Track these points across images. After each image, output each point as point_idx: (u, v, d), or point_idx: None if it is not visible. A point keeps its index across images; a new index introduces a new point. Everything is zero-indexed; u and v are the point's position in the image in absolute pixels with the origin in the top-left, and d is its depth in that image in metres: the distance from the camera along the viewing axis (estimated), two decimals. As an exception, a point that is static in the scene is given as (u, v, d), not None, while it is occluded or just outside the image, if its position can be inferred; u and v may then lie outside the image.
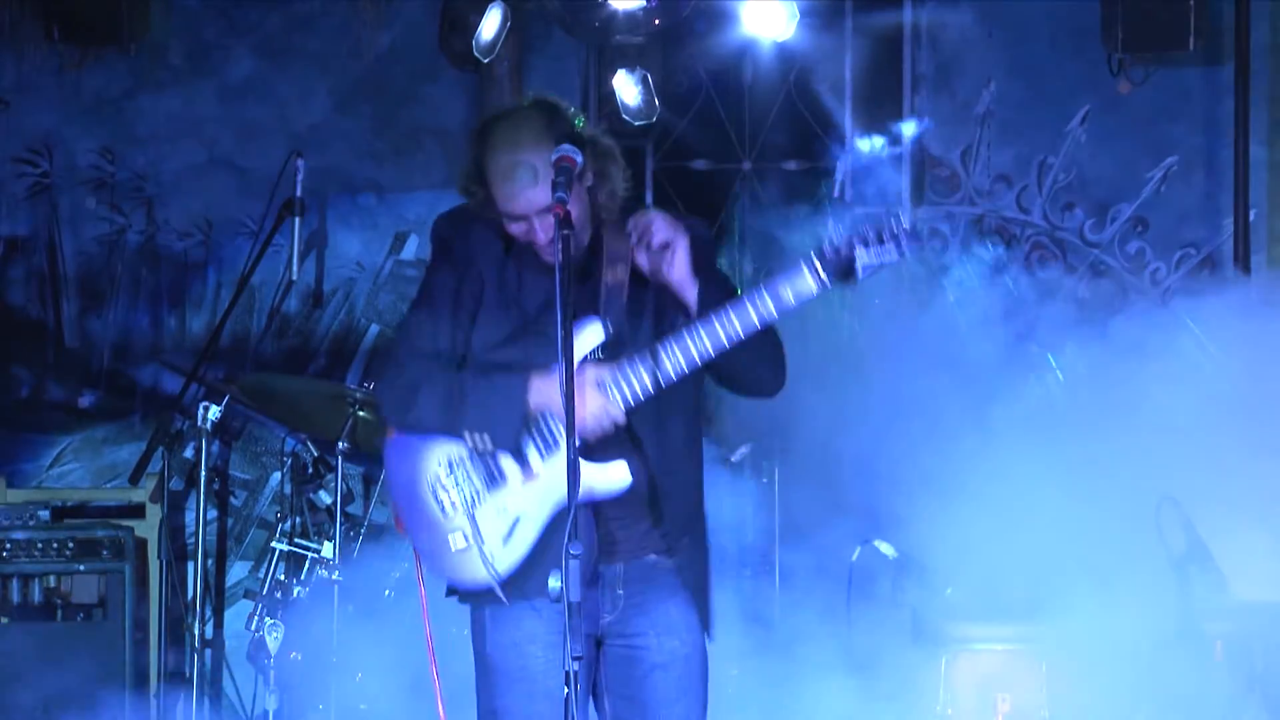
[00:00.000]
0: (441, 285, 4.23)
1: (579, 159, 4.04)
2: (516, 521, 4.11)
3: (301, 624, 6.26)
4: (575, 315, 3.98)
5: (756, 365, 4.22)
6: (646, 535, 4.18)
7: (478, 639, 4.23)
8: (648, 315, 4.19)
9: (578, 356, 4.00)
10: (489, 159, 4.10)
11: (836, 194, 7.72)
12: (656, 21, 7.66)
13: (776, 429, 7.31)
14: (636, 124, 7.56)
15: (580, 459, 3.85)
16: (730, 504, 6.54)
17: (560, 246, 3.90)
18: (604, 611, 4.17)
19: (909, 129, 7.64)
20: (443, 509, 4.14)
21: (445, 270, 4.24)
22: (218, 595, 7.59)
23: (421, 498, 4.16)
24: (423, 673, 4.46)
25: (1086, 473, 7.42)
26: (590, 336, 4.10)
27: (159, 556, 6.52)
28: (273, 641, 6.16)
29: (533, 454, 4.11)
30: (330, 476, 6.61)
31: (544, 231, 4.05)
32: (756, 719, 6.42)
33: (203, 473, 6.33)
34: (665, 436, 4.18)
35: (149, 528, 7.01)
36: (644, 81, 7.47)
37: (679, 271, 4.12)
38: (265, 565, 6.44)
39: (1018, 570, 6.46)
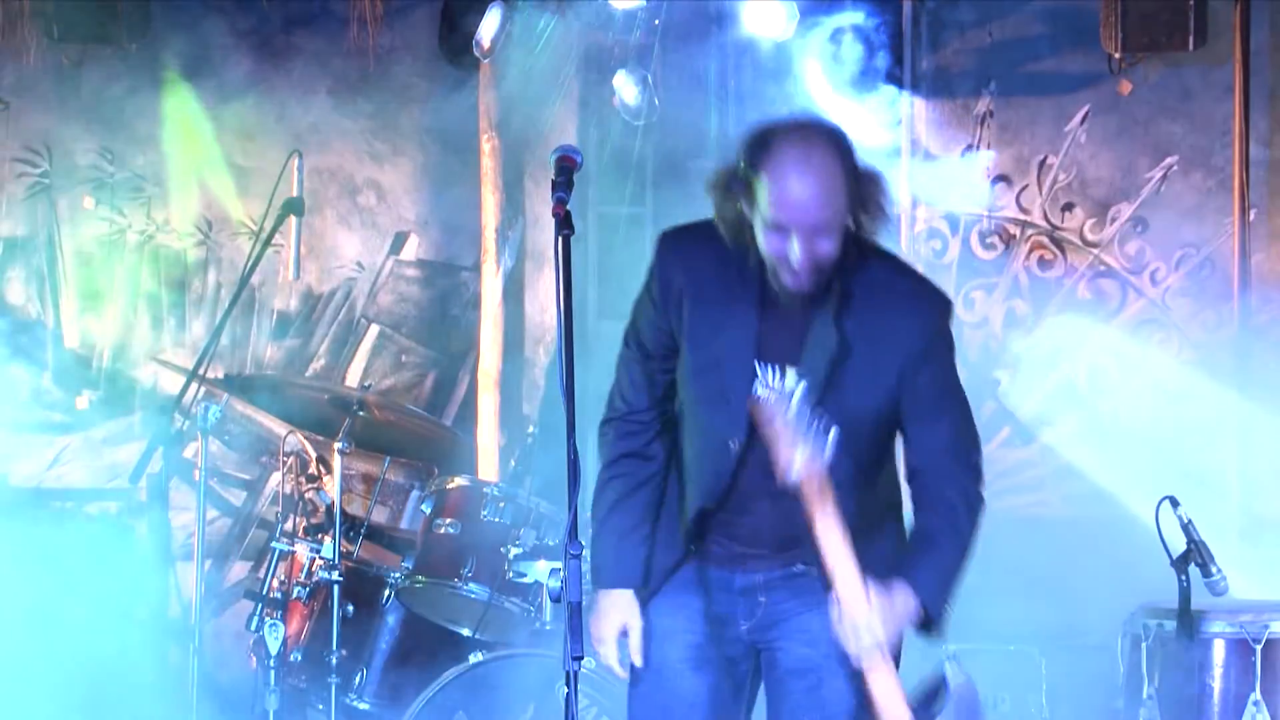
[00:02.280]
0: (649, 321, 4.17)
1: (579, 159, 4.04)
2: None
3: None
4: (777, 350, 3.93)
5: None
6: (793, 548, 4.03)
7: None
8: (846, 393, 3.95)
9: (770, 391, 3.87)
10: (772, 160, 3.85)
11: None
12: (656, 21, 7.67)
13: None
14: (636, 124, 7.57)
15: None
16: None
17: (560, 247, 3.89)
18: (740, 619, 4.11)
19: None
20: None
21: (659, 303, 4.15)
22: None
23: None
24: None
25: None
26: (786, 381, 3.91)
27: (159, 556, 6.51)
28: (273, 641, 6.16)
29: None
30: (330, 477, 6.60)
31: (804, 253, 3.85)
32: (756, 717, 6.41)
33: (203, 473, 6.32)
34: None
35: (149, 528, 7.01)
36: (644, 81, 7.47)
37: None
38: (265, 565, 6.44)
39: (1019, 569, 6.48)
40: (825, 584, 3.92)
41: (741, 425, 3.95)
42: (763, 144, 3.88)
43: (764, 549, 4.08)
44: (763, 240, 3.90)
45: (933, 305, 4.00)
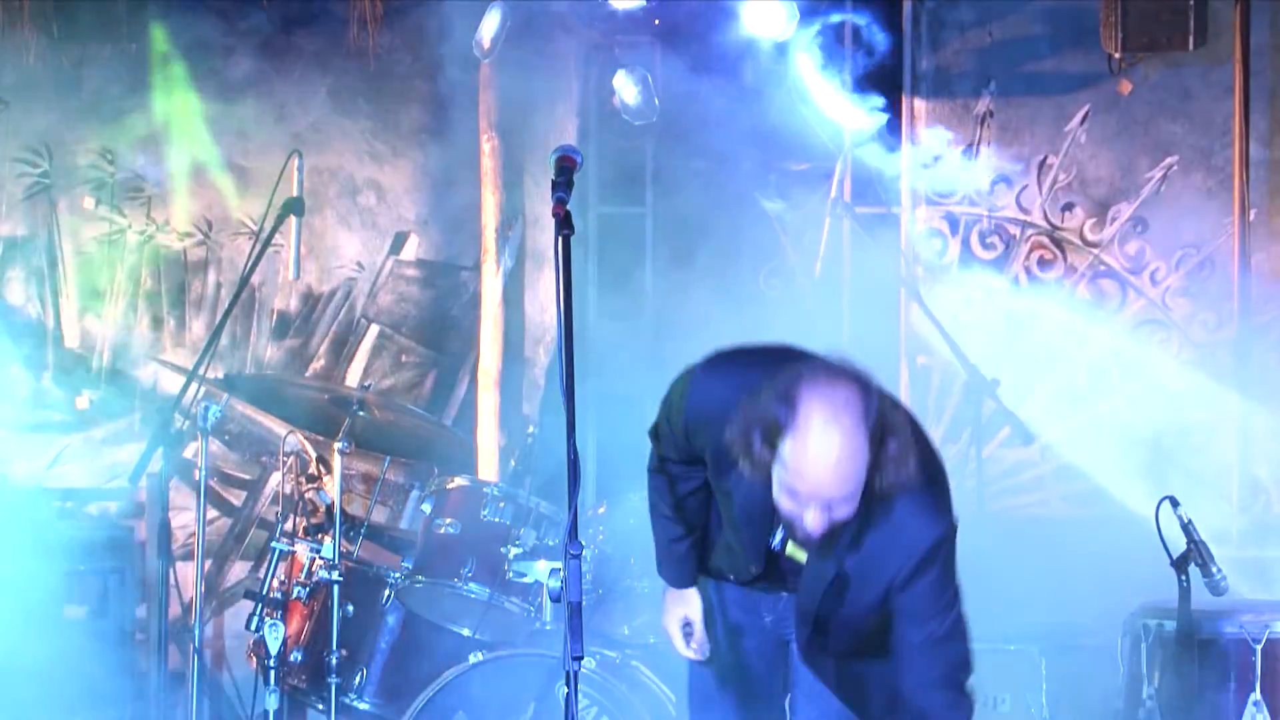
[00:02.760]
0: (671, 442, 4.31)
1: (579, 159, 4.05)
2: None
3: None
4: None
5: None
6: None
7: None
8: (840, 608, 4.10)
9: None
10: (797, 425, 3.83)
11: (836, 194, 7.72)
12: (656, 21, 7.67)
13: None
14: (636, 124, 7.57)
15: None
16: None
17: (560, 247, 3.89)
18: (764, 611, 4.37)
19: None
20: None
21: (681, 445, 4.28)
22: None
23: None
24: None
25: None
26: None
27: (159, 556, 6.51)
28: (273, 641, 6.16)
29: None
30: (330, 477, 6.60)
31: (818, 521, 3.88)
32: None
33: (203, 473, 6.32)
34: None
35: (149, 528, 7.01)
36: (644, 81, 7.47)
37: None
38: (265, 565, 6.44)
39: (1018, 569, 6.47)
40: None
41: (761, 559, 4.23)
42: (789, 401, 3.85)
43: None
44: (778, 494, 3.91)
45: (922, 533, 4.01)
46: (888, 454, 3.86)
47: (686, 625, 4.45)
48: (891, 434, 3.88)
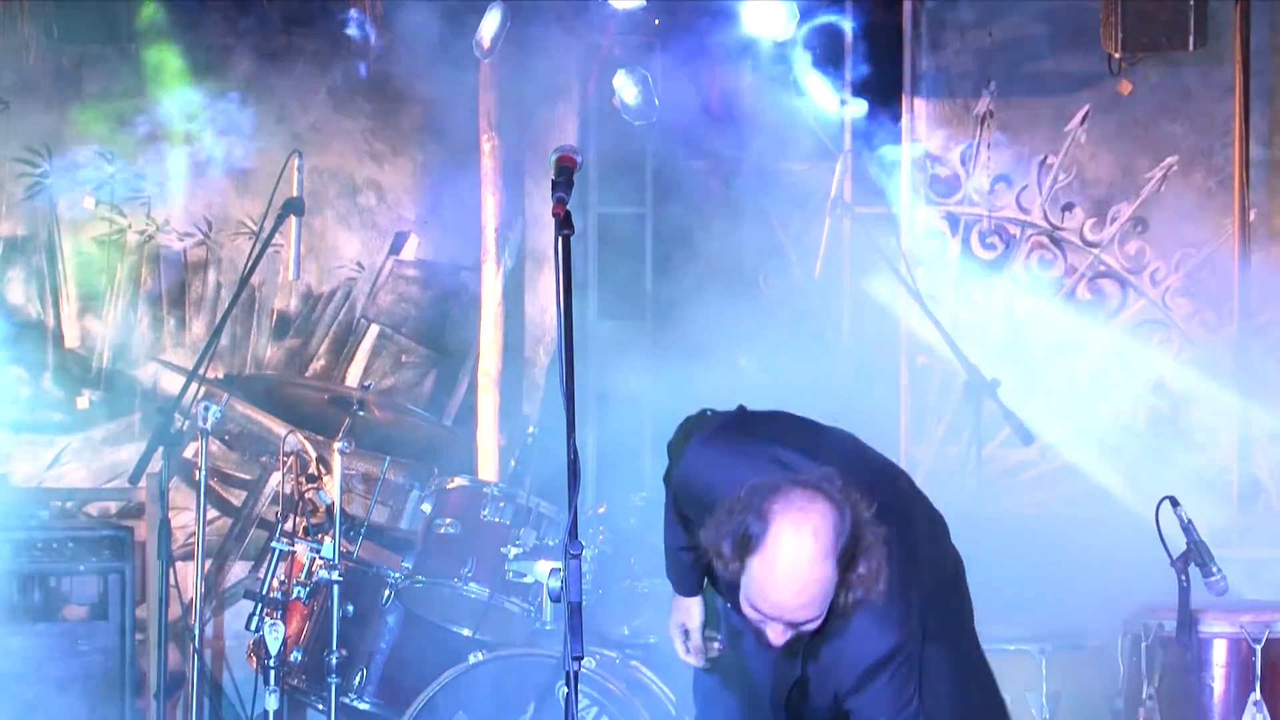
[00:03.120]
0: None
1: (579, 159, 4.05)
2: None
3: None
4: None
5: None
6: None
7: None
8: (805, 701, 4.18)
9: None
10: (765, 548, 3.84)
11: (836, 194, 7.72)
12: (656, 21, 7.67)
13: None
14: (636, 124, 7.57)
15: None
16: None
17: (560, 247, 3.89)
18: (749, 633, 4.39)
19: None
20: None
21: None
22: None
23: None
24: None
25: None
26: None
27: (159, 556, 6.51)
28: (273, 641, 6.16)
29: None
30: (330, 477, 6.60)
31: (774, 642, 3.92)
32: None
33: (203, 473, 6.32)
34: None
35: (149, 528, 7.01)
36: (644, 81, 7.47)
37: None
38: (265, 565, 6.44)
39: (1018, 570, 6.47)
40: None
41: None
42: (762, 518, 3.85)
43: None
44: (744, 605, 3.93)
45: (874, 646, 4.01)
46: (856, 574, 3.87)
47: (685, 633, 4.53)
48: (863, 556, 3.87)
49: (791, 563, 3.82)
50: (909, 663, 4.04)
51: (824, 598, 3.85)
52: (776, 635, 3.91)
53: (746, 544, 3.85)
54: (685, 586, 4.52)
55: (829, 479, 3.92)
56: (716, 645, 4.55)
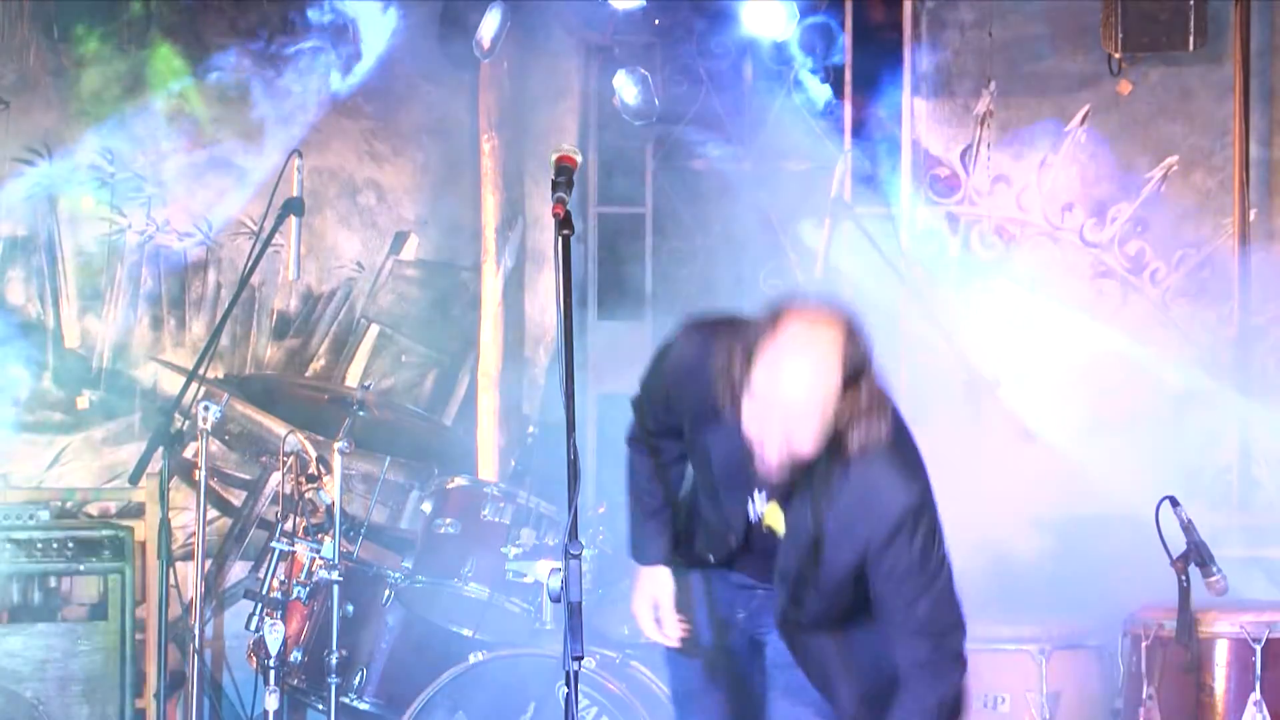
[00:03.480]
0: (652, 412, 4.30)
1: (579, 159, 4.05)
2: None
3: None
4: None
5: None
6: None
7: None
8: (821, 566, 4.09)
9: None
10: (777, 342, 3.87)
11: (836, 194, 7.73)
12: (656, 21, 7.67)
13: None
14: (636, 124, 7.57)
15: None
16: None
17: (560, 247, 3.90)
18: (739, 607, 4.33)
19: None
20: None
21: (666, 389, 4.25)
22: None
23: None
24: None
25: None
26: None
27: (159, 556, 6.51)
28: (273, 641, 6.16)
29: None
30: (330, 477, 6.61)
31: (772, 462, 3.90)
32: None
33: (203, 473, 6.32)
34: None
35: (149, 528, 7.01)
36: (644, 81, 7.48)
37: None
38: (265, 565, 6.44)
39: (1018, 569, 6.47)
40: None
41: (740, 528, 4.18)
42: (773, 321, 3.88)
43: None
44: (747, 420, 3.92)
45: (896, 495, 4.00)
46: (859, 405, 3.86)
47: (656, 608, 4.38)
48: (866, 383, 3.88)
49: (798, 358, 3.83)
50: (936, 525, 4.04)
51: (825, 404, 3.83)
52: (775, 446, 3.86)
53: (757, 346, 3.86)
54: (653, 552, 4.37)
55: (846, 307, 3.95)
56: (686, 627, 4.38)
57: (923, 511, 4.01)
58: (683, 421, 4.20)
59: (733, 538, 4.21)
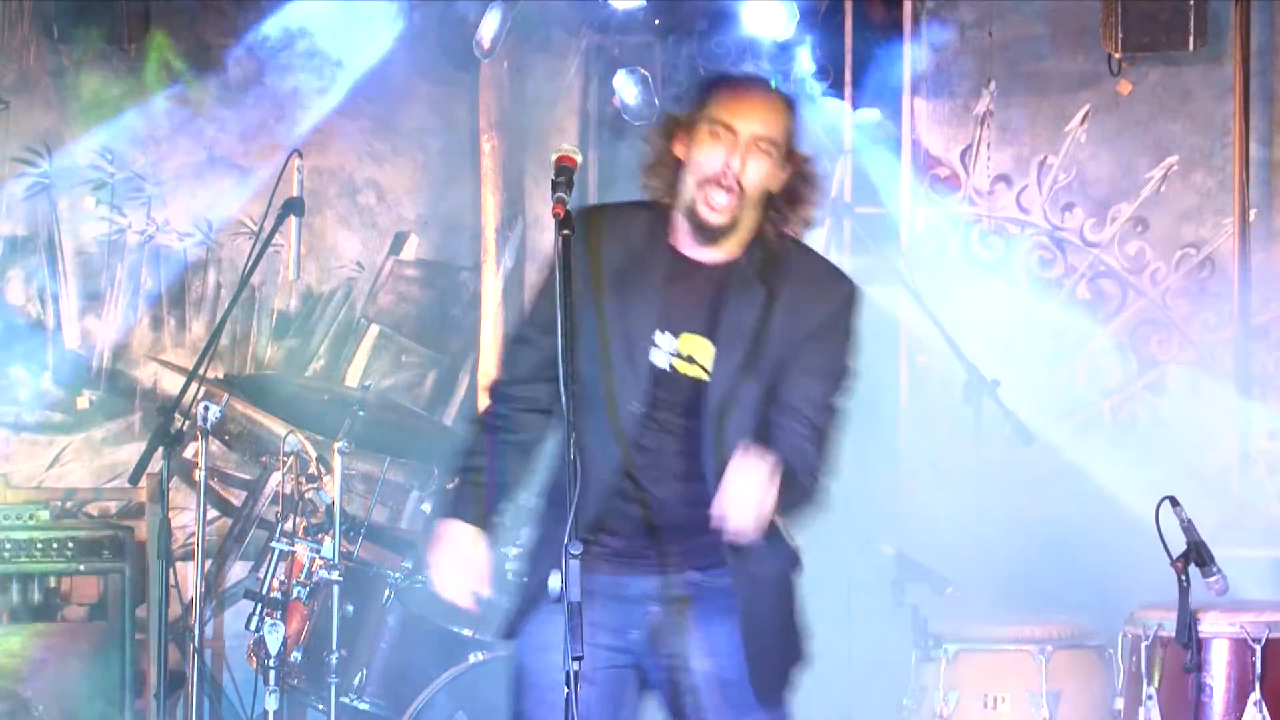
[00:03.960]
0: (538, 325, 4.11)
1: (579, 159, 4.05)
2: None
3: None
4: (686, 320, 3.99)
5: None
6: (693, 550, 4.05)
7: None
8: (757, 378, 4.01)
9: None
10: (728, 80, 4.13)
11: (836, 194, 7.72)
12: (656, 21, 7.67)
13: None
14: (636, 124, 7.57)
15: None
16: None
17: (560, 247, 3.89)
18: (630, 627, 4.08)
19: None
20: None
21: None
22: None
23: None
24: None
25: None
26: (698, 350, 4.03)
27: (159, 556, 6.52)
28: (273, 641, 6.16)
29: None
30: (330, 476, 6.60)
31: (739, 166, 3.95)
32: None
33: (203, 473, 6.32)
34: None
35: (149, 528, 7.01)
36: (644, 81, 7.47)
37: None
38: (265, 565, 6.44)
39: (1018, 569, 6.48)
40: (721, 593, 4.02)
41: (644, 390, 3.99)
42: (718, 78, 4.13)
43: (656, 547, 4.05)
44: (699, 160, 3.99)
45: (840, 285, 4.07)
46: (798, 175, 4.01)
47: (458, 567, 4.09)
48: (805, 164, 4.03)
49: (757, 83, 4.14)
50: (857, 319, 4.07)
51: (783, 130, 3.98)
52: (738, 165, 3.93)
53: (706, 90, 4.09)
54: (469, 507, 4.19)
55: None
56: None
57: (856, 304, 4.06)
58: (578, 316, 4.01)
59: (637, 404, 3.99)
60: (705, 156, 3.99)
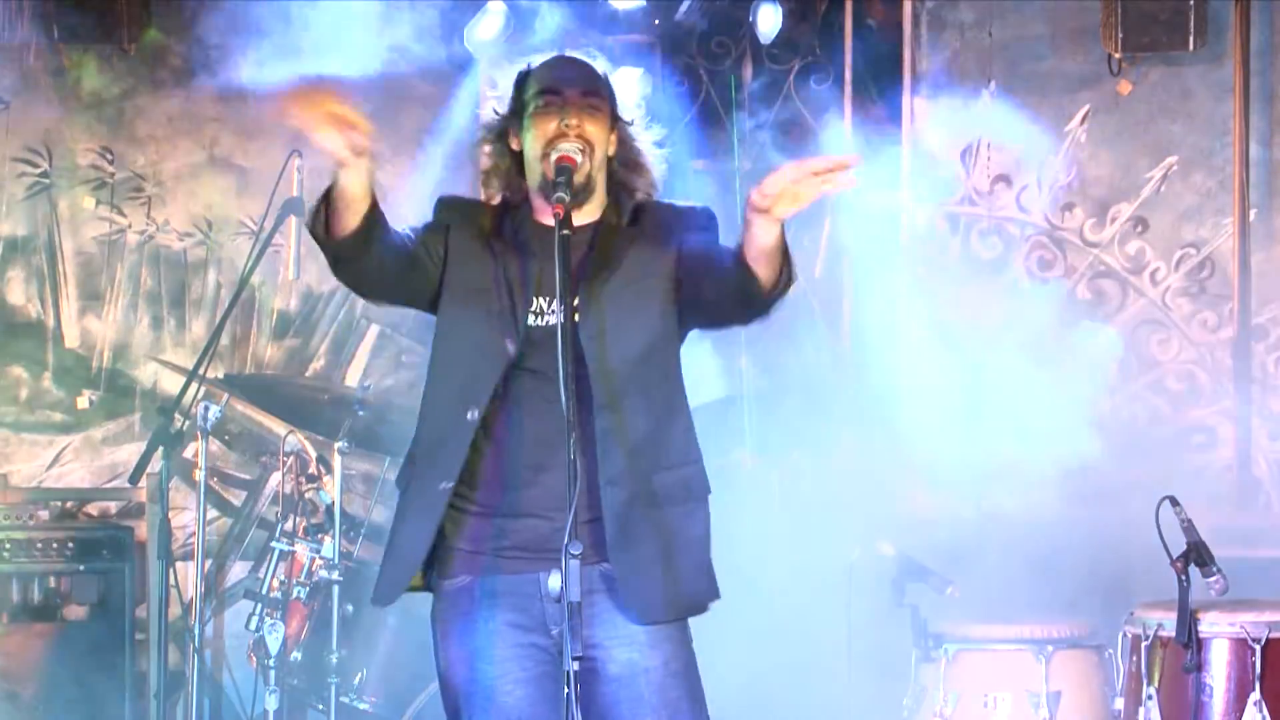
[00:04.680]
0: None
1: (579, 159, 4.04)
2: None
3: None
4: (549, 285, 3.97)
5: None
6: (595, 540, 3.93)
7: None
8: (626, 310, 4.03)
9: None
10: (540, 62, 4.13)
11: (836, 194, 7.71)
12: (656, 21, 7.67)
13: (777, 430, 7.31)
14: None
15: None
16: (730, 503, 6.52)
17: (560, 247, 3.89)
18: (552, 623, 3.95)
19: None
20: None
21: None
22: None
23: None
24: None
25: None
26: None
27: (159, 556, 6.52)
28: (273, 641, 6.16)
29: None
30: (330, 476, 6.61)
31: (563, 149, 4.00)
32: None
33: (203, 473, 6.32)
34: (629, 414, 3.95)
35: (149, 528, 7.01)
36: (644, 81, 7.47)
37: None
38: (265, 565, 6.44)
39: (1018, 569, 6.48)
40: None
41: (512, 333, 3.97)
42: (527, 66, 4.14)
43: (559, 531, 3.81)
44: (536, 132, 4.03)
45: (696, 210, 4.13)
46: (631, 152, 4.10)
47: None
48: (627, 138, 4.14)
49: (568, 56, 4.15)
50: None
51: (606, 88, 4.07)
52: (575, 123, 3.97)
53: (522, 80, 4.13)
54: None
55: None
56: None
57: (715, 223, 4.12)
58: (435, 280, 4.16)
59: (510, 343, 3.95)
60: (541, 125, 4.03)
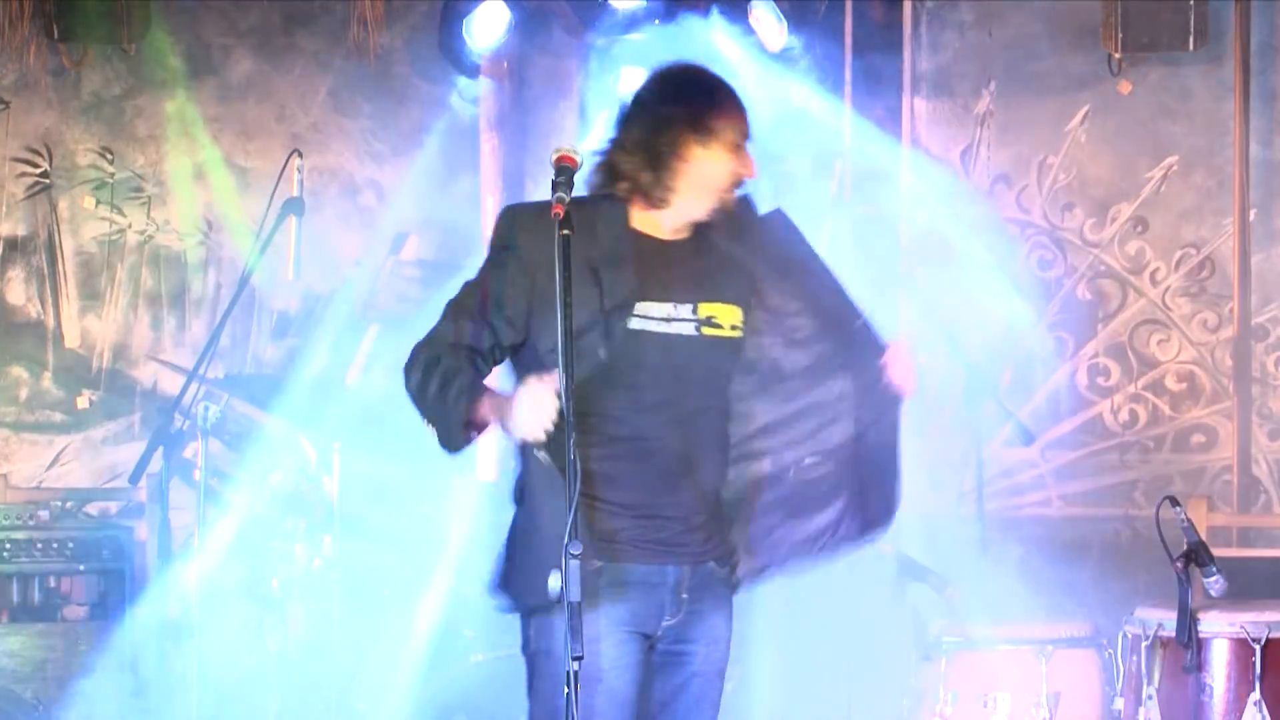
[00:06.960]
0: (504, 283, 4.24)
1: (579, 159, 4.04)
2: None
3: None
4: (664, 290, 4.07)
5: None
6: (708, 541, 4.12)
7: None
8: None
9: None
10: (709, 97, 4.22)
11: (835, 194, 7.73)
12: (656, 21, 7.67)
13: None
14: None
15: None
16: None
17: (560, 246, 3.89)
18: (667, 614, 4.10)
19: None
20: None
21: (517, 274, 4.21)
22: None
23: None
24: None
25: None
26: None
27: (159, 556, 6.52)
28: (273, 641, 6.16)
29: None
30: (330, 476, 6.60)
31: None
32: None
33: (202, 473, 6.32)
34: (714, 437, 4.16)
35: (149, 528, 7.01)
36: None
37: None
38: (265, 565, 6.43)
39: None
40: (730, 585, 4.16)
41: (603, 340, 4.01)
42: (708, 83, 4.24)
43: (688, 530, 4.07)
44: (722, 170, 4.22)
45: (775, 215, 4.41)
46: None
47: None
48: None
49: (715, 77, 4.26)
50: None
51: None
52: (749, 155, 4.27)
53: (691, 107, 4.19)
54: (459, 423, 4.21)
55: None
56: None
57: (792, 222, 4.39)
58: (533, 307, 4.10)
59: (601, 351, 4.00)
60: (730, 169, 4.26)
